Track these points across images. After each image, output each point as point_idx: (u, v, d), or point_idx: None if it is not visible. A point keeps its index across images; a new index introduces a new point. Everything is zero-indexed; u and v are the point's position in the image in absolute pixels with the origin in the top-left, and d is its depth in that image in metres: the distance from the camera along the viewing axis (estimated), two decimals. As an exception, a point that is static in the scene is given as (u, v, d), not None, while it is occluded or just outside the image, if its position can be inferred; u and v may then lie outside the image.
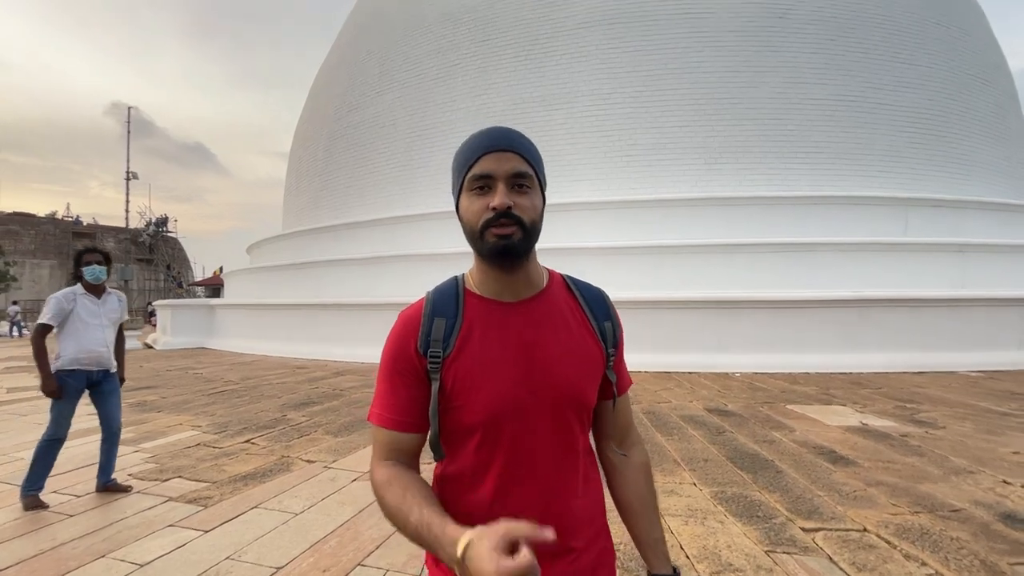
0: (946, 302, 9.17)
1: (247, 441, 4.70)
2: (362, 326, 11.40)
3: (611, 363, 0.93)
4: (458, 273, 0.97)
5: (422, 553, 2.55)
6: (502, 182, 0.81)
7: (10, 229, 40.17)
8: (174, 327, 15.47)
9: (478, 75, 13.46)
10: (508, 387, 0.84)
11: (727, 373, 8.57)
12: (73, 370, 3.36)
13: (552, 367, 0.85)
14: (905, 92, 12.53)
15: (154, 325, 21.73)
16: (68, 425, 3.38)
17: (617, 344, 0.95)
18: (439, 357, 0.84)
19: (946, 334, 8.97)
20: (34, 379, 8.84)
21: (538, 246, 0.87)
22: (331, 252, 13.87)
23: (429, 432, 0.87)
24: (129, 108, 47.71)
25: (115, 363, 3.60)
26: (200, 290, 41.44)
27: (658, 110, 12.02)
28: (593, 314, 0.93)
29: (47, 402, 3.37)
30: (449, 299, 0.90)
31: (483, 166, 0.82)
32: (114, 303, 3.61)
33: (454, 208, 0.91)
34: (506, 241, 0.80)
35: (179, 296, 38.44)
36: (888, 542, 2.65)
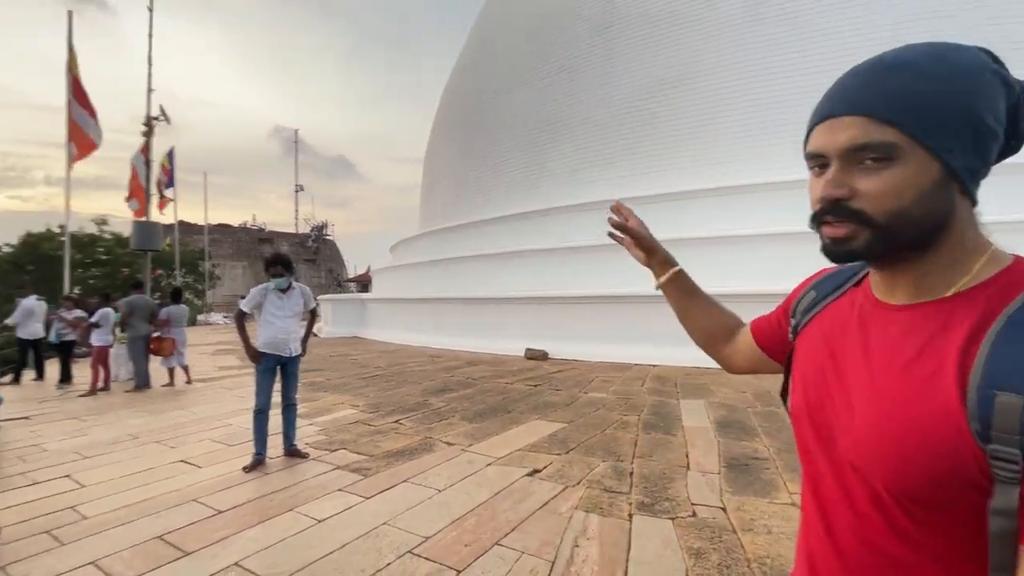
0: None
1: (396, 422, 5.24)
2: (490, 319, 11.97)
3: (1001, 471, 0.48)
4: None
5: (556, 539, 2.59)
6: (835, 161, 0.59)
7: (214, 238, 49.33)
8: (334, 319, 17.76)
9: (601, 65, 13.22)
10: (799, 398, 0.71)
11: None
12: (265, 353, 4.08)
13: (850, 407, 0.61)
14: None
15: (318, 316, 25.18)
16: (266, 398, 4.10)
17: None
18: (794, 326, 0.79)
19: None
20: (238, 359, 10.85)
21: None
22: (463, 249, 14.74)
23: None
24: (296, 131, 55.77)
25: (299, 347, 4.26)
26: (353, 286, 46.92)
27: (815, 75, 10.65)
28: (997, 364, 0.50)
29: (250, 378, 4.13)
30: (840, 277, 0.75)
31: (814, 142, 0.62)
32: (297, 297, 4.29)
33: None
34: (838, 248, 0.60)
35: (337, 292, 43.92)
36: None
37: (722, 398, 6.14)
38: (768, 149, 10.80)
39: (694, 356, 8.12)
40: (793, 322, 0.80)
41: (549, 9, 15.14)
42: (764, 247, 9.41)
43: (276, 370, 4.19)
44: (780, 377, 0.84)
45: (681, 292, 1.04)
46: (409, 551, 2.54)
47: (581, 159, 13.29)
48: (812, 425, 0.67)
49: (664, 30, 12.41)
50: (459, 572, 2.35)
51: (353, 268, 56.06)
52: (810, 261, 0.81)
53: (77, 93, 12.56)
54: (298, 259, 49.89)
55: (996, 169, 0.60)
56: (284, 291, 4.21)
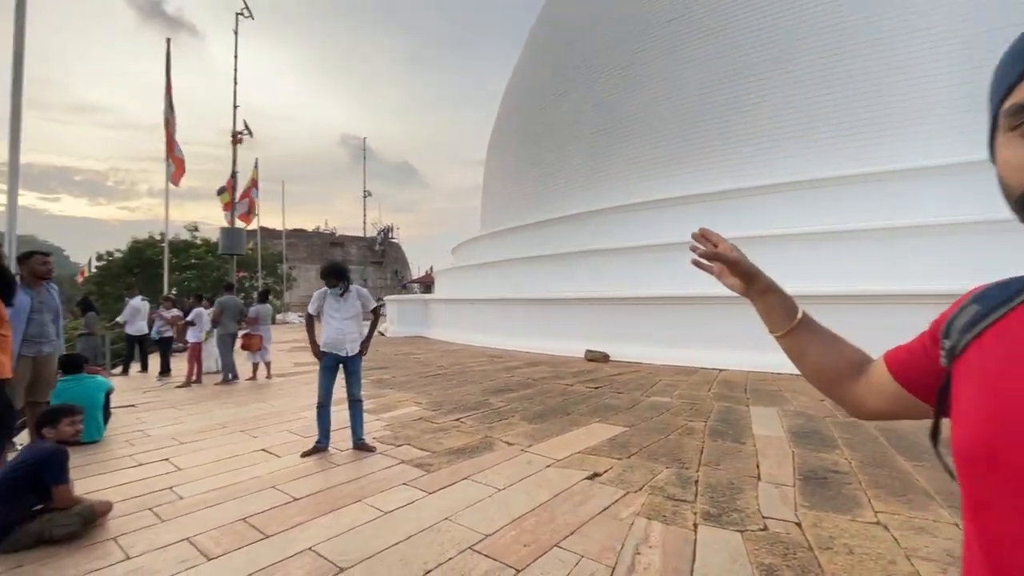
0: None
1: (457, 420, 5.36)
2: (551, 320, 11.94)
3: None
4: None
5: (617, 545, 2.54)
6: None
7: (291, 242, 52.68)
8: (399, 319, 18.45)
9: (666, 58, 12.82)
10: (978, 433, 0.54)
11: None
12: (325, 351, 4.34)
13: None
14: None
15: (383, 316, 26.21)
16: (326, 393, 4.36)
17: None
18: (949, 349, 0.63)
19: None
20: (311, 356, 11.56)
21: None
22: (522, 250, 14.82)
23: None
24: (364, 139, 58.42)
25: (355, 347, 4.46)
26: (416, 287, 48.47)
27: (902, 56, 9.76)
28: None
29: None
30: (1008, 288, 0.60)
31: None
32: (353, 300, 4.51)
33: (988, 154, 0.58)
34: None
35: (401, 293, 45.58)
36: None
37: (797, 406, 5.77)
38: (852, 140, 10.02)
39: (765, 361, 7.75)
40: (947, 344, 0.64)
41: (609, 5, 14.89)
42: (858, 244, 8.73)
43: (336, 367, 4.43)
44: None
45: (804, 335, 0.87)
46: (470, 547, 2.59)
47: (643, 157, 12.96)
48: (1009, 471, 0.49)
49: (731, 21, 11.84)
50: (518, 572, 2.36)
51: (417, 269, 58.04)
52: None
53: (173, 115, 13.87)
54: (365, 261, 52.28)
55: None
56: (341, 295, 4.44)
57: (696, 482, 3.46)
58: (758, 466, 3.77)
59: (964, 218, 7.99)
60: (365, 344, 4.56)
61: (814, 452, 4.10)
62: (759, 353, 8.57)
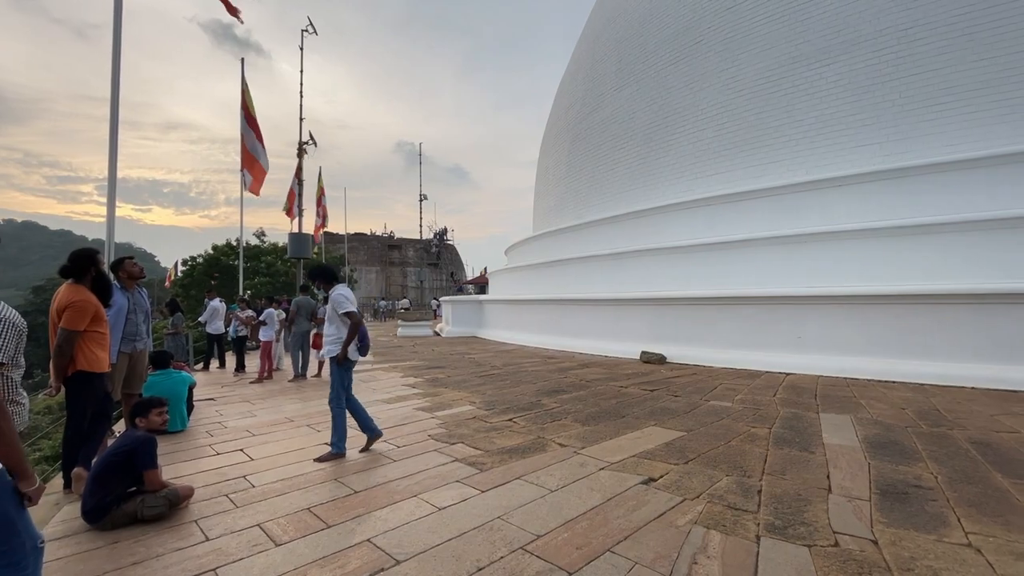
0: None
1: (510, 419, 5.39)
2: (605, 321, 11.75)
3: None
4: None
5: (672, 553, 2.46)
6: None
7: (352, 245, 55.01)
8: (454, 319, 18.80)
9: (725, 46, 12.29)
10: None
11: None
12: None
13: None
14: None
15: (439, 317, 26.81)
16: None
17: None
18: None
19: None
20: (370, 356, 12.04)
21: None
22: (575, 250, 14.70)
23: None
24: (420, 144, 60.11)
25: (334, 350, 4.42)
26: (471, 288, 49.23)
27: (991, 32, 8.84)
28: None
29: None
30: None
31: None
32: (332, 303, 4.49)
33: None
34: None
35: (456, 294, 46.45)
36: None
37: (874, 414, 5.35)
38: (951, 121, 9.16)
39: (837, 365, 7.32)
40: None
41: (660, 2, 14.47)
42: (931, 238, 8.02)
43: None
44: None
45: None
46: (521, 547, 2.60)
47: (699, 153, 12.49)
48: None
49: (793, 5, 11.16)
50: (570, 574, 2.34)
51: (471, 270, 58.88)
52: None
53: (252, 125, 14.88)
54: (422, 263, 53.70)
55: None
56: (324, 298, 4.53)
57: (759, 492, 3.29)
58: (828, 477, 3.53)
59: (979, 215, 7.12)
60: (341, 352, 4.28)
61: (893, 464, 3.78)
62: (831, 356, 8.04)
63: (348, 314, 4.28)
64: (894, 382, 7.19)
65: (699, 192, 12.03)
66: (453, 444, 4.51)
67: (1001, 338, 6.85)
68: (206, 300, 10.86)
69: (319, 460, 4.11)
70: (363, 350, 4.44)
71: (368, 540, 2.70)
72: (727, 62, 12.16)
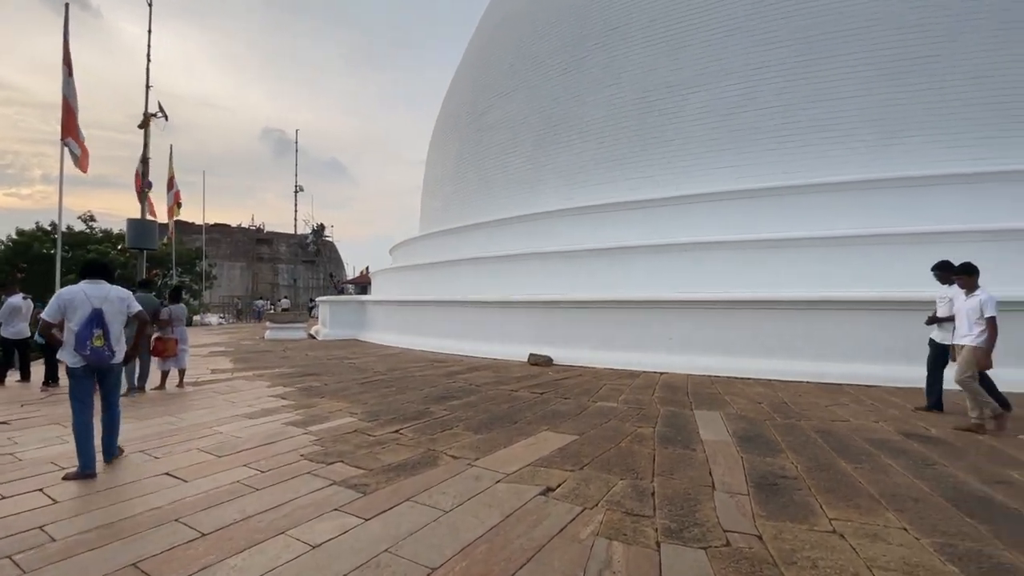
0: None
1: (396, 431, 4.95)
2: (493, 323, 11.67)
3: None
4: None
5: (579, 571, 2.26)
6: None
7: (212, 237, 48.90)
8: (332, 320, 17.43)
9: (607, 65, 13.00)
10: None
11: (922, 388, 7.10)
12: None
13: None
14: None
15: (315, 318, 24.78)
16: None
17: None
18: None
19: None
20: (231, 362, 10.56)
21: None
22: (463, 251, 14.47)
23: None
24: (296, 130, 55.45)
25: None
26: (352, 288, 46.55)
27: (822, 80, 10.44)
28: None
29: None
30: None
31: None
32: None
33: None
34: None
35: (334, 294, 43.57)
36: None
37: (738, 410, 5.87)
38: (789, 152, 10.57)
39: (703, 364, 7.88)
40: None
41: (552, 11, 14.92)
42: (812, 250, 9.18)
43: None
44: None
45: None
46: (414, 586, 2.25)
47: (584, 162, 13.05)
48: None
49: (669, 34, 12.19)
50: (471, 613, 2.06)
51: (352, 269, 55.72)
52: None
53: (72, 87, 12.26)
54: (296, 260, 49.51)
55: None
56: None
57: (653, 494, 3.32)
58: (711, 474, 3.70)
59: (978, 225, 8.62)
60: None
61: (761, 457, 4.11)
62: (697, 356, 8.80)
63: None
64: (749, 379, 8.07)
65: (583, 200, 12.53)
66: (331, 464, 3.96)
67: (823, 339, 8.03)
68: (4, 296, 8.63)
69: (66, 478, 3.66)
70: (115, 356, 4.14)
71: (217, 600, 2.15)
72: (611, 78, 12.86)
